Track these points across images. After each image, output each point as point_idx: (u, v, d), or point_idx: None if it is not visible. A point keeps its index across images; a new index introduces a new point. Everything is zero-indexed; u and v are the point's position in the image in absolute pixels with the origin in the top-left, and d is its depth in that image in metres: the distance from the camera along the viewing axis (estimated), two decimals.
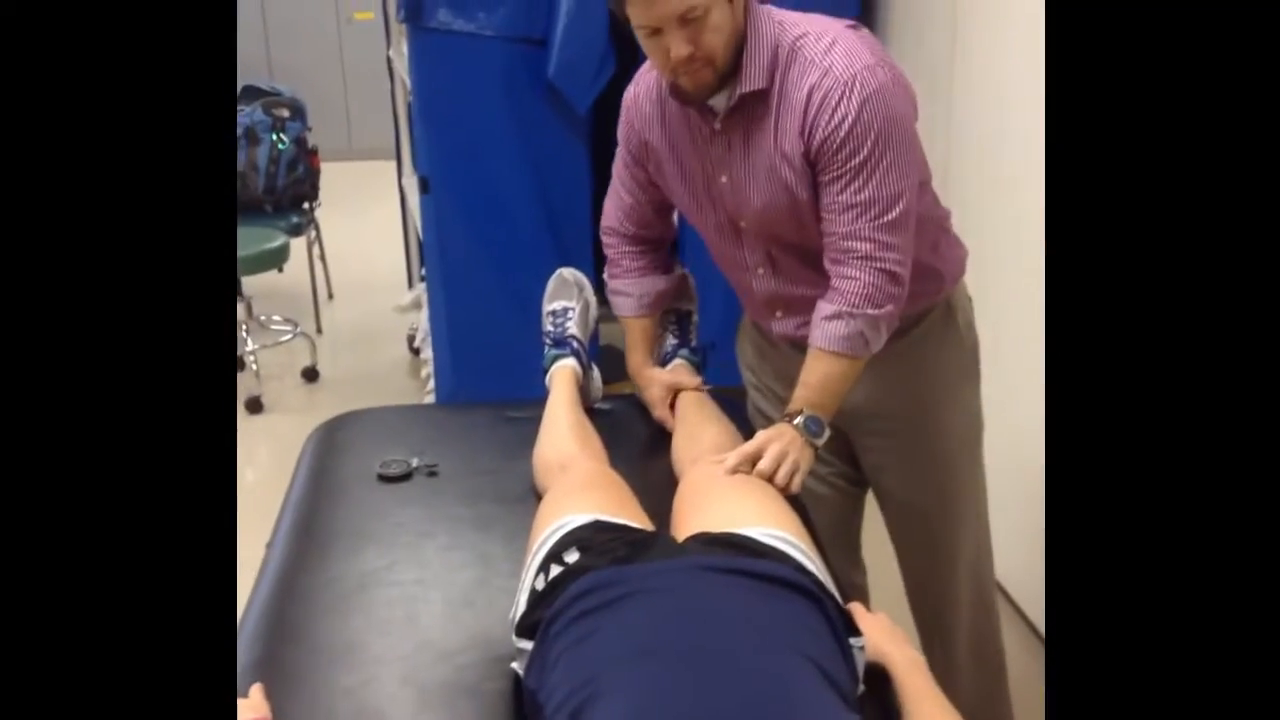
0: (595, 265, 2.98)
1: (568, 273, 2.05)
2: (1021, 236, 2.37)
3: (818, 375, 1.59)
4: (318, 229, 4.60)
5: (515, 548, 1.54)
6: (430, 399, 3.39)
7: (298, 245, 4.34)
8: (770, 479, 1.50)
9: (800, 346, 1.65)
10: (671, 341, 1.96)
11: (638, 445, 1.88)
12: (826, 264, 1.59)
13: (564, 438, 1.74)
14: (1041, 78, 2.25)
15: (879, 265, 1.55)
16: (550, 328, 1.99)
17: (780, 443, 1.52)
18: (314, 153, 4.45)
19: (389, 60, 3.98)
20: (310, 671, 1.35)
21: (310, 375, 4.07)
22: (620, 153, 1.80)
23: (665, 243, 1.91)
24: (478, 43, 2.76)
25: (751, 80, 1.54)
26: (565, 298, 2.02)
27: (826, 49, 1.51)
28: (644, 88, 1.71)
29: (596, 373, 2.03)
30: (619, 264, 1.89)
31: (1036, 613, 2.52)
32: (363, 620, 1.45)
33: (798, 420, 1.56)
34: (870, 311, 1.56)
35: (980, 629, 1.93)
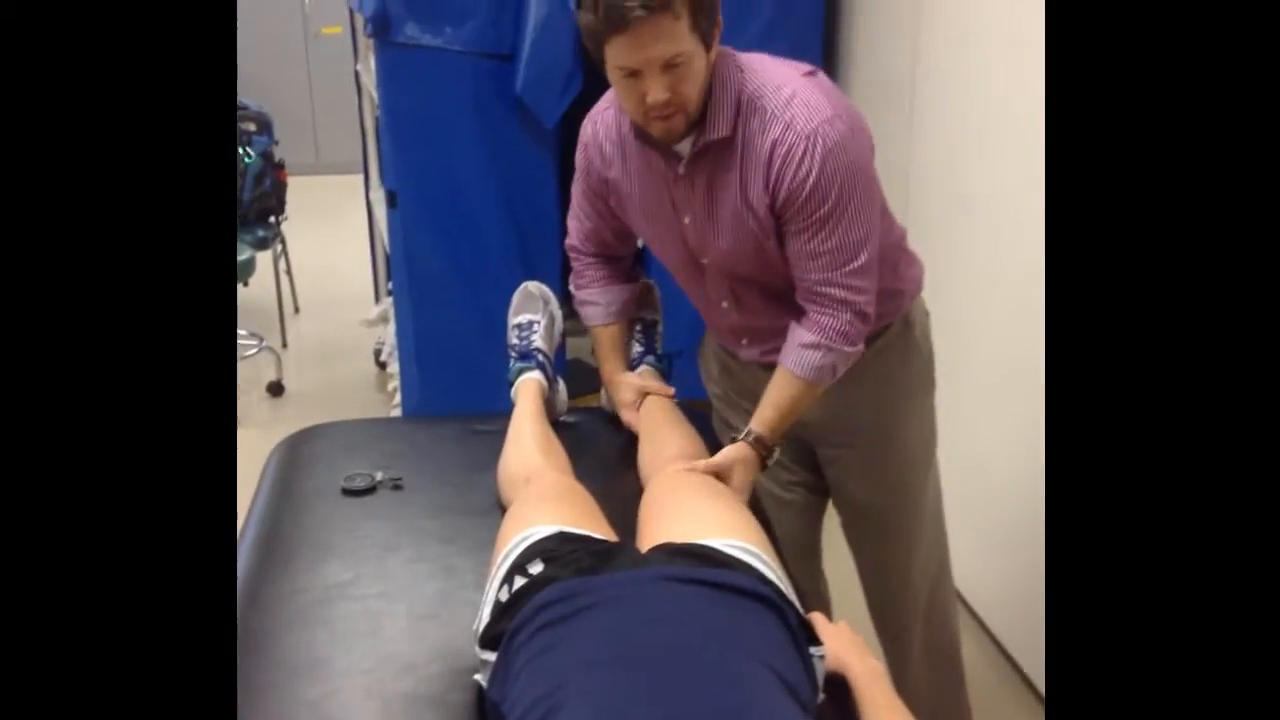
0: (562, 279, 2.98)
1: (533, 286, 2.06)
2: (982, 251, 2.40)
3: (786, 398, 1.64)
4: (284, 243, 4.58)
5: (480, 560, 1.55)
6: (397, 413, 3.38)
7: (264, 259, 4.32)
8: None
9: (767, 367, 1.70)
10: (638, 349, 1.99)
11: (603, 458, 1.89)
12: (800, 300, 1.64)
13: (529, 450, 1.74)
14: (1002, 90, 2.28)
15: (853, 308, 1.60)
16: (515, 341, 1.99)
17: (744, 469, 1.62)
18: (281, 167, 4.43)
19: (356, 75, 3.98)
20: (274, 684, 1.35)
21: (275, 390, 4.05)
22: (579, 181, 1.82)
23: (628, 256, 1.94)
24: (445, 58, 2.77)
25: (716, 129, 1.56)
26: (530, 311, 2.02)
27: (786, 102, 1.54)
28: (603, 127, 1.72)
29: (562, 385, 2.04)
30: (584, 275, 1.92)
31: (994, 619, 2.55)
32: (327, 633, 1.45)
33: (759, 443, 1.64)
34: (845, 349, 1.62)
35: (938, 632, 1.97)
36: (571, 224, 1.90)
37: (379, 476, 1.83)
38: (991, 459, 2.42)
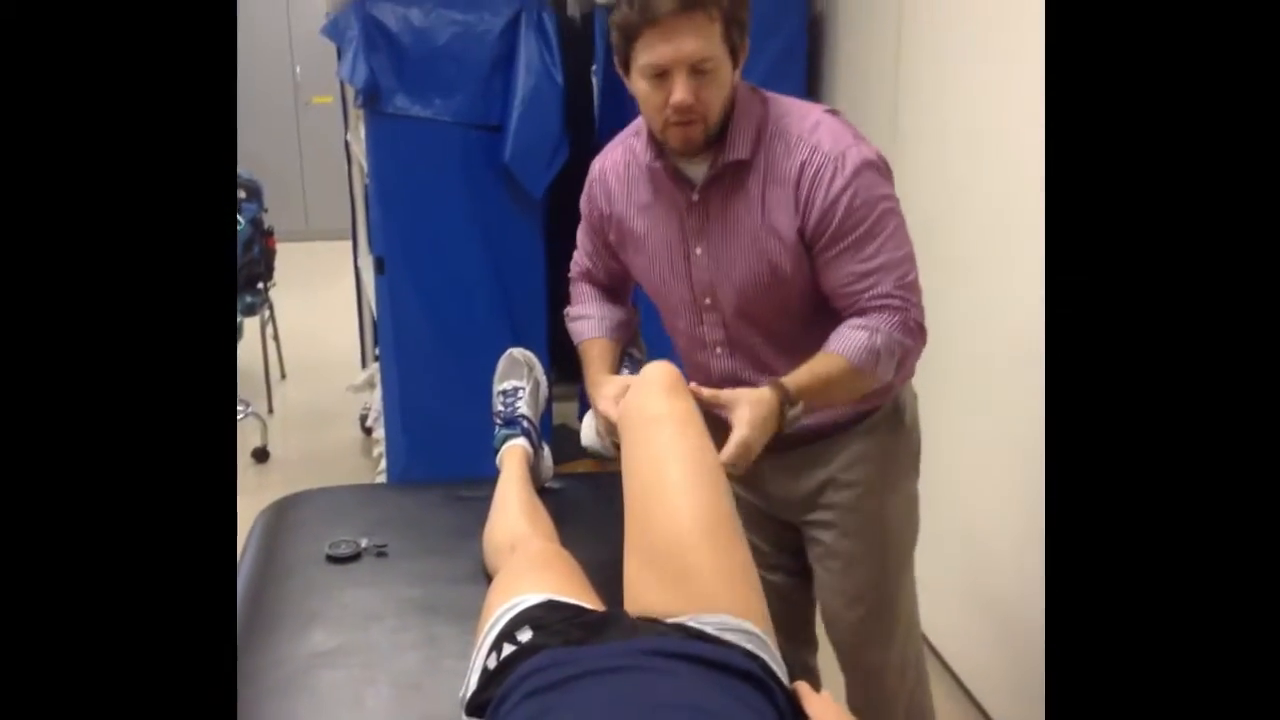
0: (549, 346, 3.01)
1: (518, 352, 2.07)
2: (968, 319, 2.42)
3: (823, 367, 1.56)
4: (272, 309, 4.59)
5: (463, 629, 1.54)
6: (382, 479, 3.37)
7: (251, 325, 4.33)
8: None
9: None
10: (625, 374, 1.91)
11: (589, 525, 1.88)
12: (847, 317, 1.59)
13: (514, 518, 1.74)
14: (980, 159, 2.32)
15: (912, 316, 1.56)
16: (501, 407, 2.00)
17: (759, 445, 1.50)
18: (270, 234, 4.46)
19: (346, 144, 4.03)
20: None
21: (260, 455, 4.04)
22: (583, 220, 1.83)
23: (626, 293, 1.93)
24: (434, 128, 2.81)
25: (736, 149, 1.56)
26: (516, 377, 2.03)
27: (812, 127, 1.55)
28: (610, 161, 1.74)
29: (547, 452, 2.04)
30: (580, 291, 1.90)
31: (965, 670, 2.57)
32: (309, 702, 1.43)
33: (789, 411, 1.53)
34: (896, 335, 1.55)
35: (915, 698, 1.94)
36: (575, 256, 1.91)
37: (364, 543, 1.82)
38: (973, 514, 2.42)
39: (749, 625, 1.30)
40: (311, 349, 5.08)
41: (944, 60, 2.49)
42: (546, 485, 2.02)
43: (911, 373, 1.75)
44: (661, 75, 1.49)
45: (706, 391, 1.53)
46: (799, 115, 1.58)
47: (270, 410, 4.47)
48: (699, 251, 1.64)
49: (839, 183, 1.52)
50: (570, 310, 1.91)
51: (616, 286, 1.90)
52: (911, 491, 1.82)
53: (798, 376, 1.54)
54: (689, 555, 1.37)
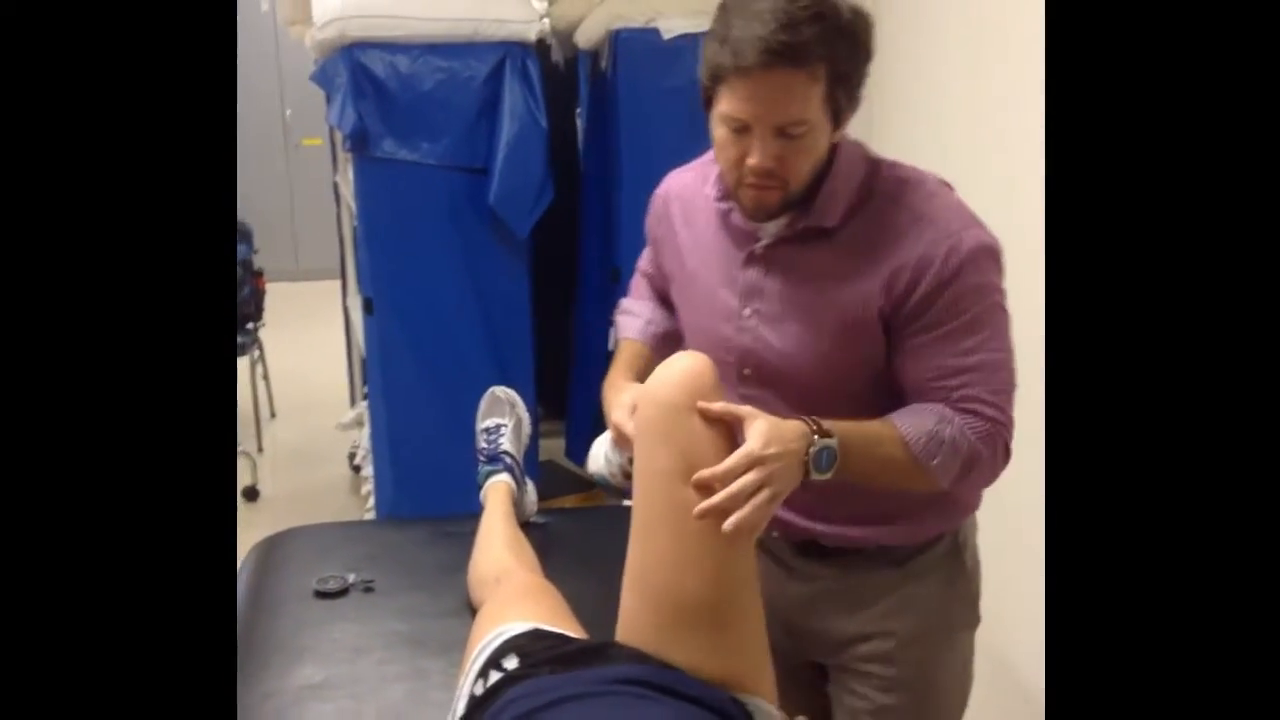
0: (536, 384, 3.06)
1: (500, 391, 2.11)
2: None
3: (873, 431, 1.32)
4: (261, 348, 4.64)
5: (449, 662, 1.58)
6: (371, 516, 3.40)
7: (241, 364, 4.37)
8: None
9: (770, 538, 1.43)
10: None
11: (574, 558, 1.92)
12: None
13: (498, 551, 1.78)
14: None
15: (1001, 433, 1.33)
16: (484, 445, 2.04)
17: (763, 472, 1.22)
18: (259, 274, 4.52)
19: (335, 185, 4.09)
20: None
21: (250, 495, 4.07)
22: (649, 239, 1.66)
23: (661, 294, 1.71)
24: (421, 171, 2.87)
25: (824, 216, 1.36)
26: (498, 415, 2.08)
27: (927, 198, 1.35)
28: (680, 184, 1.55)
29: (531, 487, 2.09)
30: (639, 285, 1.70)
31: None
32: None
33: (818, 443, 1.27)
34: (971, 437, 1.31)
35: None
36: (644, 252, 1.70)
37: (351, 579, 1.86)
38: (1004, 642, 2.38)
39: (742, 696, 1.25)
40: (300, 388, 5.12)
41: (920, 89, 2.56)
42: (531, 520, 2.07)
43: (976, 502, 1.51)
44: (742, 129, 1.29)
45: (717, 406, 1.28)
46: (913, 184, 1.37)
47: (260, 449, 4.50)
48: (748, 312, 1.42)
49: (951, 266, 1.30)
50: (622, 301, 1.71)
51: (669, 300, 1.65)
52: (968, 649, 1.55)
53: (836, 422, 1.30)
54: (693, 621, 1.26)
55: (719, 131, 1.32)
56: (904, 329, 1.34)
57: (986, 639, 1.57)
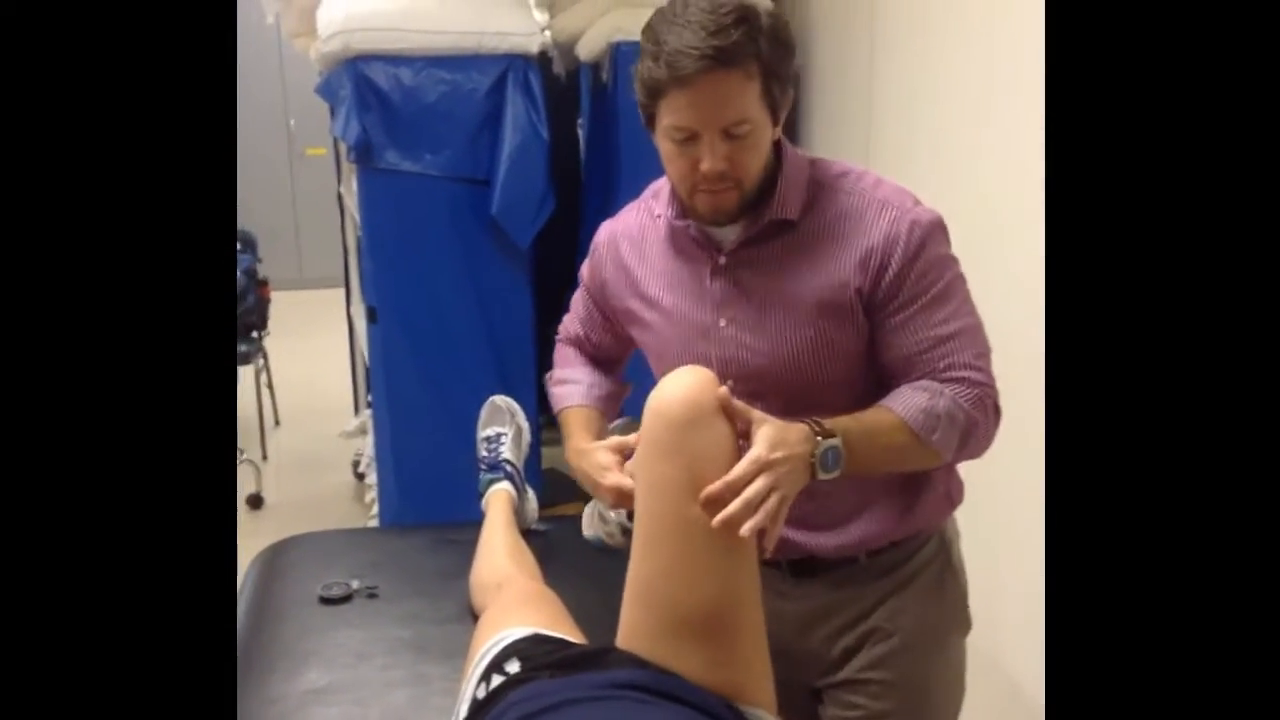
0: (537, 393, 3.08)
1: (500, 400, 2.14)
2: None
3: (872, 419, 1.34)
4: (265, 357, 4.67)
5: (452, 668, 1.60)
6: (374, 523, 3.43)
7: (245, 372, 4.40)
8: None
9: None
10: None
11: (574, 565, 1.94)
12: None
13: (499, 558, 1.81)
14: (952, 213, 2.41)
15: (990, 394, 1.38)
16: (485, 453, 2.07)
17: (771, 477, 1.23)
18: (264, 283, 4.55)
19: (339, 195, 4.12)
20: None
21: (255, 502, 4.09)
22: (581, 288, 1.66)
23: (619, 365, 1.70)
24: (424, 182, 2.90)
25: (784, 209, 1.39)
26: (498, 424, 2.10)
27: (874, 184, 1.41)
28: (623, 225, 1.56)
29: (531, 495, 2.11)
30: (566, 354, 1.69)
31: None
32: None
33: (823, 445, 1.28)
34: (964, 404, 1.35)
35: None
36: (566, 320, 1.71)
37: (355, 585, 1.89)
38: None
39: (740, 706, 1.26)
40: (305, 396, 5.15)
41: (916, 109, 2.59)
42: (532, 527, 2.09)
43: (959, 495, 1.54)
44: (690, 139, 1.32)
45: (738, 404, 1.28)
46: (856, 173, 1.42)
47: (264, 457, 4.53)
48: (723, 323, 1.44)
49: (916, 240, 1.36)
50: (554, 374, 1.69)
51: (607, 359, 1.69)
52: (960, 654, 1.56)
53: (836, 419, 1.32)
54: (698, 633, 1.27)
55: (665, 146, 1.36)
56: (883, 308, 1.38)
57: (978, 643, 1.59)
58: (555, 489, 3.39)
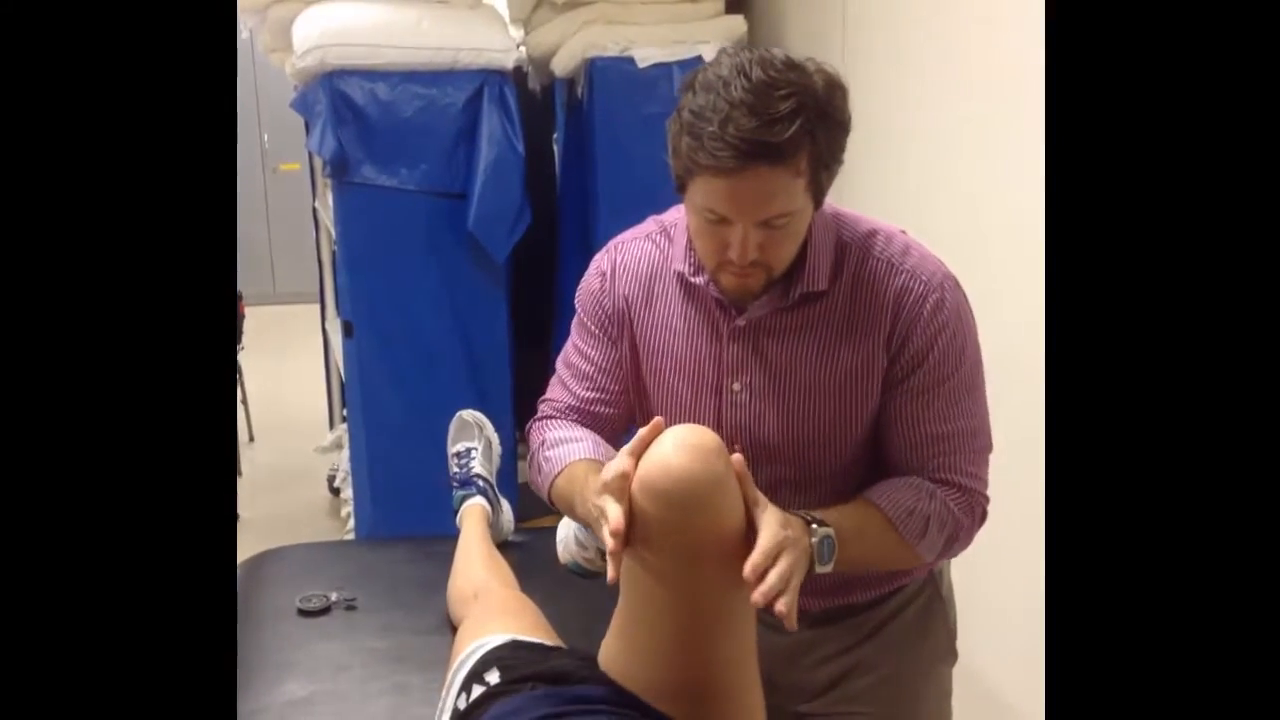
0: (514, 406, 3.09)
1: (467, 414, 2.15)
2: None
3: (857, 517, 1.27)
4: (240, 373, 4.66)
5: (430, 678, 1.61)
6: (350, 538, 3.42)
7: None
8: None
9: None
10: None
11: (550, 575, 1.94)
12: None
13: (476, 569, 1.82)
14: (928, 223, 2.44)
15: (979, 500, 1.34)
16: (456, 469, 2.08)
17: (791, 557, 1.15)
18: (238, 299, 4.54)
19: (315, 210, 4.13)
20: None
21: None
22: (579, 329, 1.46)
23: (620, 435, 1.46)
24: (400, 196, 2.92)
25: (815, 280, 1.30)
26: (467, 439, 2.11)
27: (903, 251, 1.32)
28: (629, 258, 1.42)
29: (506, 506, 2.12)
30: (553, 424, 1.45)
31: None
32: None
33: (818, 533, 1.20)
34: (954, 509, 1.30)
35: None
36: (552, 395, 1.48)
37: (334, 597, 1.89)
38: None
39: None
40: (279, 411, 5.13)
41: (890, 114, 2.62)
42: (510, 539, 2.10)
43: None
44: (722, 221, 1.21)
45: (751, 490, 1.18)
46: (883, 235, 1.34)
47: (239, 473, 4.51)
48: (736, 388, 1.35)
49: (940, 318, 1.29)
50: (546, 437, 1.42)
51: (604, 425, 1.45)
52: (946, 682, 1.53)
53: (826, 512, 1.25)
54: (700, 694, 1.22)
55: (695, 220, 1.25)
56: (893, 389, 1.32)
57: (968, 665, 1.59)
58: (531, 502, 3.39)
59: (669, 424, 1.28)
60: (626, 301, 1.40)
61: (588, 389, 1.43)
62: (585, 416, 1.44)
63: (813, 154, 1.18)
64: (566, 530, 1.48)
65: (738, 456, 1.17)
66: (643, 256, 1.41)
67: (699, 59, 2.94)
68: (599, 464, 1.30)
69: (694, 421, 1.31)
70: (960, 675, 1.55)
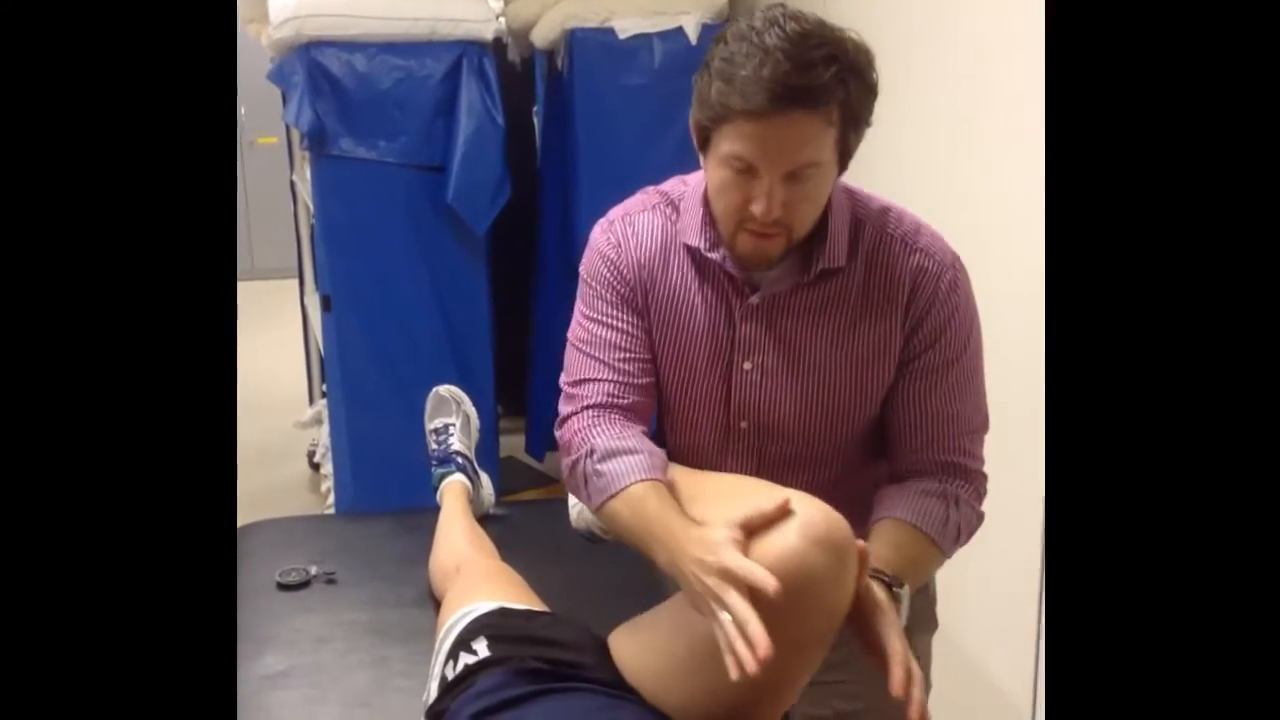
0: (496, 382, 3.08)
1: (444, 389, 2.14)
2: None
3: (910, 547, 1.26)
4: None
5: (410, 650, 1.61)
6: (330, 513, 3.41)
7: None
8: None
9: None
10: None
11: (535, 548, 1.95)
12: (906, 475, 1.35)
13: (458, 541, 1.81)
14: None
15: (984, 482, 1.36)
16: (434, 446, 2.07)
17: (912, 659, 1.15)
18: None
19: (292, 184, 4.09)
20: None
21: None
22: (599, 301, 1.37)
23: (649, 414, 1.41)
24: (379, 169, 2.89)
25: (833, 256, 1.29)
26: (444, 414, 2.10)
27: (915, 230, 1.33)
28: (641, 226, 1.37)
29: (486, 480, 2.11)
30: (591, 422, 1.33)
31: None
32: None
33: (901, 597, 1.20)
34: (974, 505, 1.33)
35: None
36: (585, 379, 1.36)
37: (313, 571, 1.88)
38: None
39: None
40: (258, 386, 5.10)
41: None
42: (490, 513, 2.10)
43: None
44: (747, 171, 1.20)
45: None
46: (895, 214, 1.34)
47: None
48: (748, 366, 1.33)
49: (953, 299, 1.31)
50: (594, 441, 1.30)
51: (644, 407, 1.38)
52: (926, 653, 1.52)
53: (886, 558, 1.21)
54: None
55: (719, 174, 1.23)
56: (902, 369, 1.33)
57: (954, 641, 1.58)
58: (512, 477, 3.40)
59: (676, 398, 1.32)
60: (644, 271, 1.36)
61: (623, 359, 1.35)
62: (627, 392, 1.34)
63: (844, 107, 1.18)
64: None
65: (862, 545, 1.13)
66: (654, 227, 1.37)
67: (679, 30, 2.92)
68: (660, 486, 1.24)
69: (702, 396, 1.32)
70: (940, 643, 1.55)
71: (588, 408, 1.34)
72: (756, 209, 1.20)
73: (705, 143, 1.25)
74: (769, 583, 1.03)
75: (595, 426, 1.32)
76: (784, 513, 1.10)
